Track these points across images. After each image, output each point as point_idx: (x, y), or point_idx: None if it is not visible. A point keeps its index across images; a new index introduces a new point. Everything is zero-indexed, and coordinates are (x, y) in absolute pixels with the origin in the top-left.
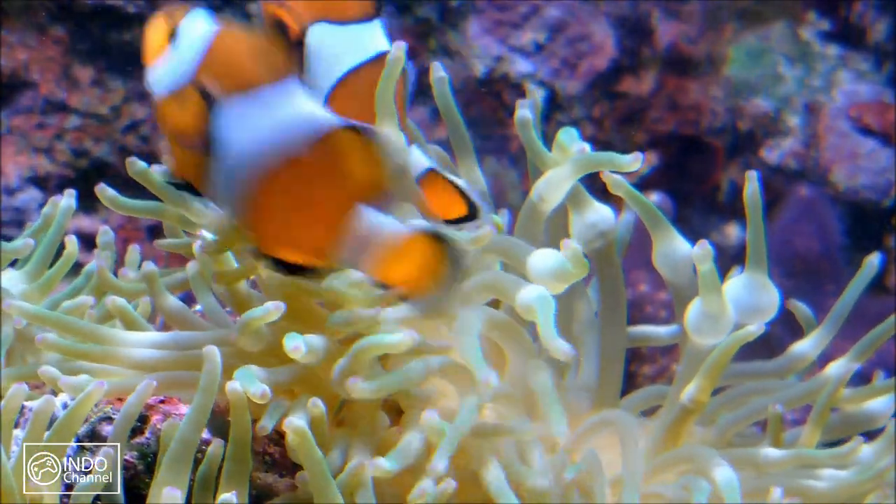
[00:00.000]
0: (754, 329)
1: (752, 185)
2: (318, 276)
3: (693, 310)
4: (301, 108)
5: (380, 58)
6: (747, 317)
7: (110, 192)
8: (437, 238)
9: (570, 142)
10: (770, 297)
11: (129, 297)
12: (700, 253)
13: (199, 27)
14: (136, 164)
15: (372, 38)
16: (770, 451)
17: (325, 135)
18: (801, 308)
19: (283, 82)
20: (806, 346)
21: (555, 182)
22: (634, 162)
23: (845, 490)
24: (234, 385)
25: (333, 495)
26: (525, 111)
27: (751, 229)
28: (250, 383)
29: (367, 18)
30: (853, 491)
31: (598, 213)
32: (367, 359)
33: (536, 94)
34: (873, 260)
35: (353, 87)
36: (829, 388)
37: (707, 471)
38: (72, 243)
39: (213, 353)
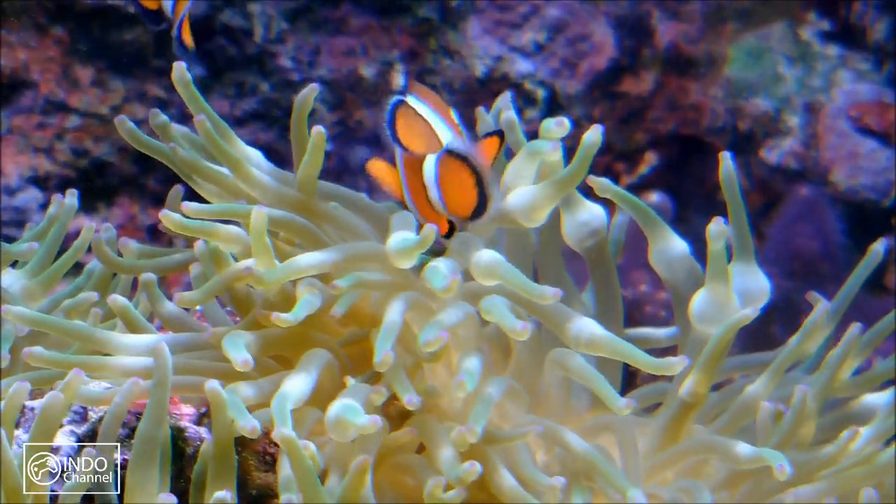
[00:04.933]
0: (749, 312)
1: (725, 163)
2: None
3: (699, 297)
4: None
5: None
6: (739, 303)
7: (129, 124)
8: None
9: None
10: (760, 282)
11: (125, 272)
12: (715, 230)
13: None
14: (158, 117)
15: None
16: (742, 447)
17: None
18: (819, 300)
19: None
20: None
21: (515, 173)
22: (560, 128)
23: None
24: (212, 384)
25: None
26: (511, 112)
27: (732, 213)
28: (241, 416)
29: None
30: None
31: (590, 211)
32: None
33: (538, 94)
34: (878, 248)
35: None
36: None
37: (726, 452)
38: (88, 230)
39: (162, 348)
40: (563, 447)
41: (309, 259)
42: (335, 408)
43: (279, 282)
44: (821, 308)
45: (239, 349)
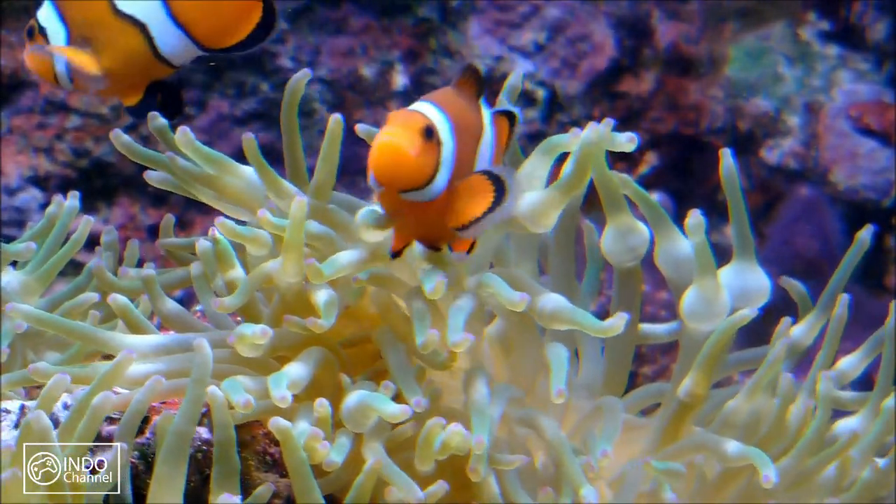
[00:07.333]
0: (748, 312)
1: (726, 160)
2: None
3: (688, 295)
4: None
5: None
6: (739, 302)
7: (125, 138)
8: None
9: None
10: (760, 281)
11: (127, 295)
12: (693, 223)
13: None
14: (156, 119)
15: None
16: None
17: None
18: (795, 285)
19: None
20: (799, 332)
21: (528, 174)
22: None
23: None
24: (213, 390)
25: (314, 494)
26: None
27: (732, 211)
28: (235, 392)
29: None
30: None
31: (641, 236)
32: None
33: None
34: (864, 235)
35: None
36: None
37: (717, 450)
38: (86, 222)
39: (203, 345)
40: (536, 432)
41: (348, 256)
42: (357, 395)
43: (333, 276)
44: (841, 303)
45: (254, 327)
